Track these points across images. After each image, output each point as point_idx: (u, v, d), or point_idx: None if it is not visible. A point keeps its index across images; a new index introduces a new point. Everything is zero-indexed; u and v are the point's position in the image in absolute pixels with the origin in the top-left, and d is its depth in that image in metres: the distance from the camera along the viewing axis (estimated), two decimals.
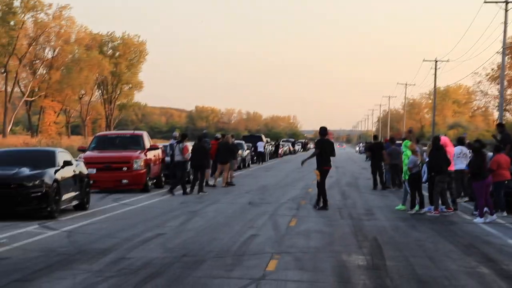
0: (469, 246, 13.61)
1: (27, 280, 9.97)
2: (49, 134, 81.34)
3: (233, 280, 9.96)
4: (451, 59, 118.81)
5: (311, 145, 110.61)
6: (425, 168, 19.63)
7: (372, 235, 14.76)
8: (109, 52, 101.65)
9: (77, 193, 18.74)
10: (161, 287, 9.55)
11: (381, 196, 25.16)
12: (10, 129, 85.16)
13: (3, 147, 37.99)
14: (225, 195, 24.62)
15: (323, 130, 20.49)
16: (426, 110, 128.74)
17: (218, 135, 32.43)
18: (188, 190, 24.99)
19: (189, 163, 25.64)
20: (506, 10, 44.14)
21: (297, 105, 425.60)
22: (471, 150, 19.52)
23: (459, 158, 20.96)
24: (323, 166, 19.96)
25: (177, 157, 25.40)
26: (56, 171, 17.50)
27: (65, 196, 17.84)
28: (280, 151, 75.09)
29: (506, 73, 50.19)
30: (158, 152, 27.73)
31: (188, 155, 25.23)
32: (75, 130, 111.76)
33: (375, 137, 33.02)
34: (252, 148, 52.48)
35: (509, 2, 44.00)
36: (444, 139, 20.68)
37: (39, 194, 16.63)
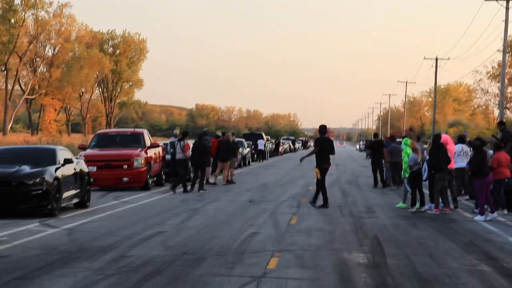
0: (470, 244, 13.61)
1: (27, 278, 9.96)
2: (49, 132, 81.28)
3: (233, 278, 9.96)
4: (451, 57, 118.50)
5: (311, 143, 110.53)
6: (425, 166, 19.63)
7: (372, 233, 14.76)
8: (109, 50, 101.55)
9: (77, 191, 18.74)
10: (162, 285, 9.55)
11: (381, 194, 25.16)
12: (10, 127, 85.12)
13: (4, 145, 38.00)
14: (225, 193, 24.62)
15: (323, 128, 20.49)
16: (426, 108, 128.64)
17: (219, 133, 32.44)
18: (188, 188, 24.99)
19: (190, 161, 25.63)
20: (507, 8, 44.07)
21: (297, 103, 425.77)
22: (471, 148, 19.51)
23: (459, 156, 20.96)
24: (323, 164, 19.96)
25: (178, 155, 25.40)
26: (56, 169, 17.49)
27: (66, 194, 17.84)
28: (280, 149, 75.07)
29: (506, 71, 50.16)
30: (159, 150, 27.72)
31: (189, 153, 25.23)
32: (75, 128, 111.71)
33: (376, 135, 33.02)
34: (253, 146, 52.47)
35: (510, 0, 43.96)
36: (445, 137, 20.68)
37: (40, 192, 16.62)
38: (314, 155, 20.13)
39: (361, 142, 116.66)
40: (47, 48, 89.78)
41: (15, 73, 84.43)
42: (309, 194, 24.29)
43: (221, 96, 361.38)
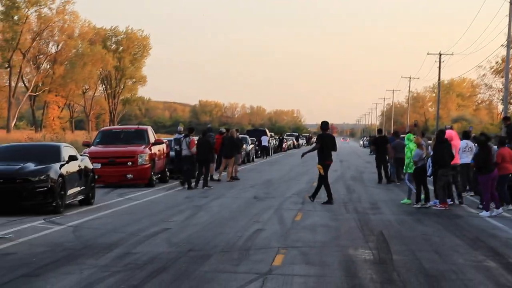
0: (476, 240, 13.58)
1: (33, 275, 9.96)
2: (53, 129, 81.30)
3: (240, 274, 9.94)
4: (455, 52, 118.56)
5: (315, 139, 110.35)
6: (429, 161, 19.60)
7: (378, 229, 14.73)
8: (112, 47, 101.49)
9: (82, 188, 18.74)
10: (168, 282, 9.53)
11: (386, 190, 25.13)
12: (14, 124, 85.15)
13: (8, 142, 37.99)
14: (229, 190, 24.61)
15: (325, 125, 20.48)
16: (430, 104, 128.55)
17: (223, 129, 32.39)
18: (192, 184, 24.98)
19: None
20: (511, 3, 43.94)
21: (301, 99, 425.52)
22: (476, 144, 19.47)
23: (464, 152, 20.90)
24: (325, 161, 19.94)
25: (184, 151, 25.38)
26: (61, 166, 17.48)
27: (71, 191, 17.84)
28: (284, 145, 75.04)
29: (510, 66, 49.94)
30: (163, 146, 27.71)
31: (194, 149, 25.19)
32: (78, 125, 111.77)
33: (380, 131, 32.99)
34: (256, 143, 52.43)
35: None
36: (449, 133, 20.63)
37: (45, 189, 16.63)
38: (316, 151, 20.13)
39: (364, 138, 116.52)
40: (50, 45, 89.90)
41: (18, 70, 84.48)
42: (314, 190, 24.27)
43: (225, 92, 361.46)
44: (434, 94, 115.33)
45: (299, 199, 21.26)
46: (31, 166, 17.01)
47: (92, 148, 26.01)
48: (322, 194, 20.06)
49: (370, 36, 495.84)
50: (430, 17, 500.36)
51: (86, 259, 11.07)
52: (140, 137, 26.81)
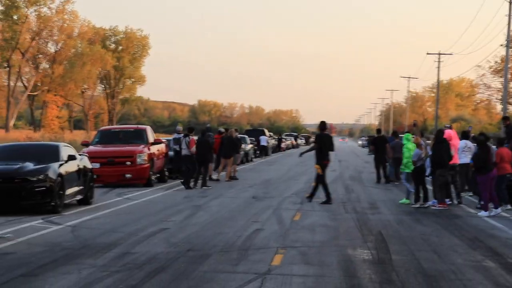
0: (474, 240, 13.59)
1: (32, 275, 9.95)
2: (51, 129, 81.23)
3: (238, 274, 9.94)
4: (454, 52, 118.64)
5: (313, 139, 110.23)
6: (428, 161, 19.61)
7: (376, 229, 14.73)
8: (112, 46, 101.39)
9: (81, 187, 18.72)
10: (166, 282, 9.52)
11: (384, 190, 25.14)
12: (13, 124, 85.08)
13: (6, 141, 37.98)
14: (228, 189, 24.60)
15: (323, 125, 20.51)
16: (429, 104, 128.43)
17: (222, 129, 32.38)
18: (191, 184, 24.97)
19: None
20: (510, 2, 43.98)
21: (299, 99, 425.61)
22: (475, 144, 19.48)
23: (463, 152, 20.90)
24: (323, 161, 19.96)
25: (184, 151, 25.35)
26: (60, 166, 17.47)
27: (69, 191, 17.83)
28: (283, 145, 75.03)
29: (509, 66, 49.94)
30: (162, 146, 27.70)
31: (194, 149, 25.17)
32: (77, 124, 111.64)
33: (378, 130, 32.96)
34: (255, 142, 52.41)
35: None
36: (448, 132, 20.63)
37: (43, 188, 16.62)
38: (313, 151, 20.14)
39: (363, 138, 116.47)
40: (49, 45, 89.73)
41: (17, 70, 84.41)
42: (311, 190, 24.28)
43: (224, 92, 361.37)
44: (433, 94, 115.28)
45: (297, 199, 21.25)
46: (29, 165, 17.00)
47: (91, 147, 26.00)
48: (321, 194, 20.05)
49: (369, 36, 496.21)
50: (429, 17, 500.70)
51: (84, 259, 11.06)
52: (139, 136, 26.80)
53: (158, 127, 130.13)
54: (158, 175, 27.14)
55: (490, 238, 13.87)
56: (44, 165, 17.05)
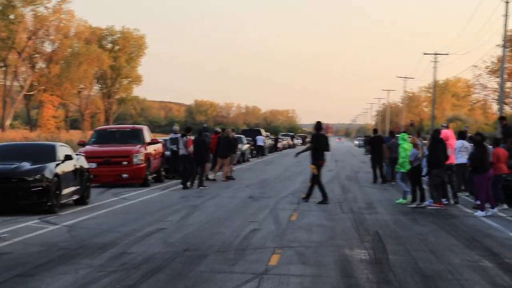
0: (471, 240, 13.59)
1: (29, 275, 9.93)
2: (48, 129, 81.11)
3: (236, 275, 9.92)
4: (450, 52, 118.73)
5: (309, 139, 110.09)
6: (425, 161, 19.64)
7: (373, 229, 14.74)
8: (108, 46, 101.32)
9: (77, 187, 18.70)
10: (164, 282, 9.51)
11: (381, 190, 25.15)
12: (9, 124, 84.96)
13: (3, 141, 37.94)
14: (225, 189, 24.59)
15: (318, 125, 20.52)
16: (425, 104, 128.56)
17: (218, 129, 32.37)
18: (188, 184, 24.95)
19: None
20: (507, 2, 44.04)
21: (296, 99, 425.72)
22: (472, 144, 19.50)
23: (460, 152, 20.93)
24: (318, 161, 19.96)
25: (182, 151, 25.32)
26: (56, 166, 17.44)
27: (66, 191, 17.80)
28: (279, 145, 75.08)
29: (506, 66, 50.07)
30: (158, 146, 27.67)
31: (191, 148, 25.14)
32: (73, 124, 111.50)
33: (375, 130, 32.97)
34: (252, 142, 52.42)
35: None
36: (445, 132, 20.65)
37: (40, 188, 16.59)
38: (309, 151, 20.15)
39: (359, 138, 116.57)
40: (46, 44, 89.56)
41: (13, 69, 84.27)
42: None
43: (220, 92, 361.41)
44: (429, 94, 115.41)
45: (294, 199, 21.25)
46: (26, 165, 16.97)
47: (88, 147, 25.96)
48: (317, 194, 20.05)
49: (366, 36, 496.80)
50: (426, 17, 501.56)
51: (81, 259, 11.04)
52: (135, 136, 26.78)
53: (155, 127, 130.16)
54: (155, 175, 27.13)
55: (487, 238, 13.89)
56: (40, 165, 17.02)
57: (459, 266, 10.80)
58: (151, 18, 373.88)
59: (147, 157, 25.66)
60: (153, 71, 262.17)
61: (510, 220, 16.85)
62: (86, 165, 19.84)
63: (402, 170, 20.43)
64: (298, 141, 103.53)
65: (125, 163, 25.05)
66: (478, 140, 18.33)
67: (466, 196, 21.91)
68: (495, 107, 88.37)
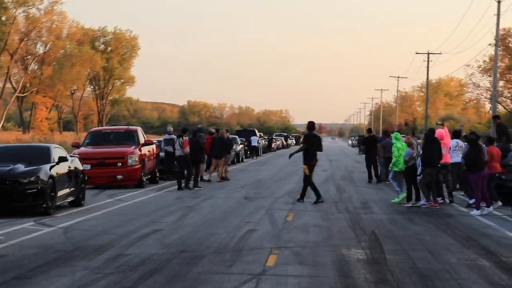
0: (468, 239, 13.60)
1: (25, 277, 9.88)
2: (41, 130, 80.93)
3: (233, 275, 9.90)
4: (443, 51, 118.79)
5: (302, 139, 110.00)
6: (419, 161, 19.66)
7: (370, 229, 14.73)
8: (101, 47, 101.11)
9: (72, 189, 18.63)
10: (161, 283, 9.47)
11: (376, 190, 25.16)
12: (2, 125, 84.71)
13: None
14: (220, 190, 24.55)
15: (311, 125, 20.50)
16: (418, 103, 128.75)
17: (213, 129, 32.33)
18: (183, 185, 24.89)
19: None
20: (499, 2, 44.14)
21: (289, 99, 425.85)
22: (466, 143, 19.52)
23: (455, 151, 20.94)
24: (310, 161, 19.95)
25: (178, 152, 25.25)
26: (51, 167, 17.38)
27: (61, 193, 17.73)
28: (273, 145, 75.12)
29: (498, 65, 50.14)
30: (153, 147, 27.61)
31: (187, 149, 25.07)
32: (67, 126, 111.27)
33: (369, 130, 32.98)
34: (246, 143, 52.40)
35: None
36: (440, 132, 20.65)
37: (35, 190, 16.52)
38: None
39: (353, 138, 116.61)
40: (38, 46, 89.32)
41: (6, 71, 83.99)
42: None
43: (213, 92, 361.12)
44: (422, 94, 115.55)
45: (289, 199, 21.23)
46: (21, 167, 16.90)
47: (82, 149, 25.88)
48: (312, 194, 20.04)
49: (359, 35, 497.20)
50: (419, 17, 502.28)
51: (78, 261, 10.99)
52: (130, 138, 26.72)
53: (148, 128, 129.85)
54: (149, 176, 27.07)
55: (483, 237, 13.89)
56: (35, 167, 16.95)
57: (457, 265, 10.80)
58: (143, 19, 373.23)
59: (142, 158, 25.60)
60: (146, 72, 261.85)
61: (506, 219, 16.88)
62: (80, 166, 19.77)
63: (395, 169, 20.48)
64: (291, 141, 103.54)
65: (119, 164, 24.98)
66: (472, 139, 18.35)
67: (462, 195, 21.93)
68: (488, 106, 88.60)
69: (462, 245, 12.86)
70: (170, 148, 26.95)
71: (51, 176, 17.05)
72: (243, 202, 20.34)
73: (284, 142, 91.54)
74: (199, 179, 26.10)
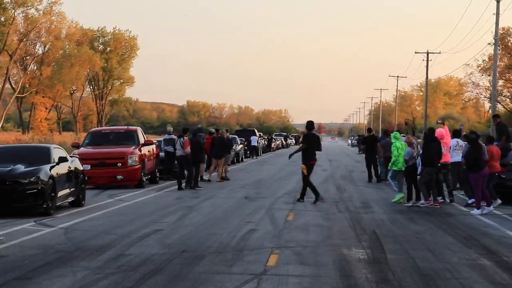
0: (469, 238, 13.60)
1: (26, 278, 9.87)
2: (40, 131, 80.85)
3: (234, 275, 9.89)
4: (442, 51, 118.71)
5: (301, 139, 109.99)
6: (419, 160, 19.66)
7: (370, 228, 14.73)
8: (100, 48, 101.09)
9: (72, 189, 18.62)
10: (162, 283, 9.47)
11: (376, 189, 25.15)
12: (1, 126, 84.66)
13: None
14: (220, 190, 24.54)
15: (310, 124, 20.50)
16: (417, 103, 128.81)
17: (213, 129, 32.32)
18: (183, 185, 24.89)
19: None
20: (498, 1, 44.12)
21: (288, 98, 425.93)
22: (467, 142, 19.52)
23: (455, 151, 20.94)
24: (309, 161, 19.94)
25: (179, 152, 25.23)
26: (51, 168, 17.36)
27: (61, 193, 17.72)
28: (273, 145, 75.12)
29: (497, 64, 50.13)
30: (153, 147, 27.60)
31: (188, 149, 25.05)
32: (66, 126, 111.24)
33: (369, 129, 32.97)
34: (245, 143, 52.40)
35: None
36: (440, 131, 20.63)
37: (35, 191, 16.51)
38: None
39: (353, 137, 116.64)
40: (37, 46, 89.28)
41: (5, 72, 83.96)
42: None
43: (212, 92, 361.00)
44: (421, 93, 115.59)
45: (290, 198, 21.23)
46: (21, 168, 16.89)
47: (82, 149, 25.87)
48: (311, 193, 20.05)
49: (358, 35, 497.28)
50: (418, 16, 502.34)
51: (78, 262, 10.98)
52: (129, 138, 26.71)
53: (147, 128, 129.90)
54: (149, 176, 27.06)
55: (484, 236, 13.89)
56: (35, 167, 16.94)
57: (458, 265, 10.79)
58: (141, 19, 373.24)
59: (142, 158, 25.59)
60: (145, 72, 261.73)
61: (506, 218, 16.88)
62: (80, 167, 19.77)
63: (394, 168, 20.49)
64: (291, 141, 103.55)
65: (119, 164, 24.97)
66: (472, 138, 18.35)
67: (462, 194, 21.93)
68: (487, 105, 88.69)
69: (463, 244, 12.85)
70: (170, 148, 26.93)
71: (51, 177, 17.04)
72: (243, 202, 20.34)
73: (284, 142, 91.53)
74: (199, 179, 26.08)
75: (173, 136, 26.92)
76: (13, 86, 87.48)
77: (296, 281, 9.56)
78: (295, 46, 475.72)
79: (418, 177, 19.87)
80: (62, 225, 15.24)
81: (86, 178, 20.30)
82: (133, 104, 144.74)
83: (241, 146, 47.54)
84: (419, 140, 21.92)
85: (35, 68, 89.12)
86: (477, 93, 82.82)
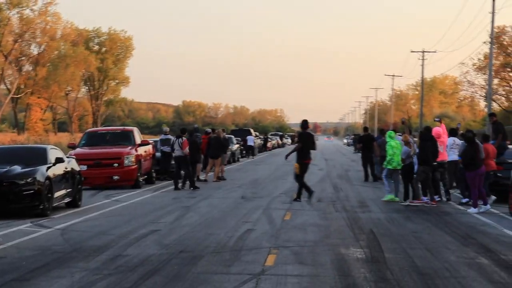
0: (466, 237, 13.61)
1: (24, 279, 9.84)
2: (36, 131, 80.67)
3: (232, 276, 9.88)
4: (438, 50, 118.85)
5: (297, 138, 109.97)
6: (415, 159, 19.67)
7: (368, 228, 14.73)
8: (95, 48, 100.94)
9: (69, 190, 18.59)
10: (160, 284, 9.45)
11: (373, 188, 25.16)
12: None
13: None
14: (217, 190, 24.53)
15: (305, 123, 20.50)
16: (413, 101, 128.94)
17: (209, 129, 32.30)
18: (180, 185, 24.86)
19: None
20: (493, 0, 44.20)
21: (284, 98, 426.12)
22: (463, 141, 19.54)
23: (452, 149, 20.96)
24: (304, 160, 19.94)
25: (177, 152, 25.19)
26: (48, 168, 17.33)
27: (58, 194, 17.69)
28: (268, 144, 75.11)
29: (493, 62, 50.19)
30: (149, 147, 27.57)
31: (187, 150, 25.02)
32: (61, 127, 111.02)
33: (366, 128, 32.99)
34: (242, 142, 52.38)
35: None
36: (437, 130, 20.64)
37: (32, 191, 16.47)
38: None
39: (348, 136, 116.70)
40: (32, 47, 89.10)
41: (0, 73, 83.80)
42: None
43: (208, 92, 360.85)
44: (416, 92, 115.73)
45: (287, 198, 21.22)
46: (17, 168, 16.84)
47: (78, 150, 25.82)
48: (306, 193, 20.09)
49: (353, 35, 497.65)
50: (413, 15, 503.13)
51: (76, 262, 10.96)
52: (126, 138, 26.67)
53: (143, 128, 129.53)
54: (146, 176, 27.02)
55: (482, 235, 13.91)
56: (32, 168, 16.90)
57: (456, 264, 10.80)
58: (138, 19, 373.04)
59: (138, 158, 25.55)
60: (140, 72, 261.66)
61: (503, 216, 16.90)
62: (77, 167, 19.73)
63: (389, 167, 20.50)
64: (287, 140, 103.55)
65: (116, 165, 24.93)
66: (469, 137, 18.37)
67: (458, 193, 21.94)
68: (482, 104, 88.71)
69: (460, 243, 12.86)
70: (166, 148, 26.90)
71: (48, 177, 17.00)
72: (240, 202, 20.33)
73: (280, 142, 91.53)
74: (195, 179, 26.05)
75: (169, 136, 26.88)
76: (8, 87, 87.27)
77: (295, 281, 9.55)
78: (290, 45, 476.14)
79: (415, 176, 19.89)
80: (59, 226, 15.20)
81: (82, 178, 20.27)
82: (129, 104, 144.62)
83: (237, 146, 47.52)
84: (415, 139, 21.93)
85: (30, 68, 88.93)
86: (472, 92, 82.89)
